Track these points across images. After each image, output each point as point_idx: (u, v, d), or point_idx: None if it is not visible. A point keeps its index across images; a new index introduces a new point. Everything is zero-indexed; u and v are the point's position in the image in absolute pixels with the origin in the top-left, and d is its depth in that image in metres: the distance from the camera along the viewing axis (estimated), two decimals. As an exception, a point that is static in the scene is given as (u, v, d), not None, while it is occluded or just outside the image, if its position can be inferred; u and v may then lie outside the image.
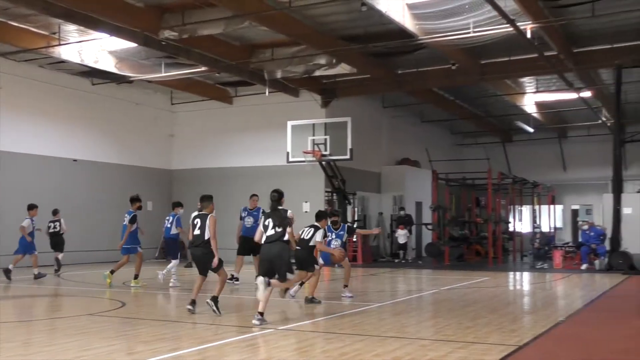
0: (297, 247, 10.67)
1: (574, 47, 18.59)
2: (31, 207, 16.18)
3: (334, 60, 18.73)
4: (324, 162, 20.69)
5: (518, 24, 14.45)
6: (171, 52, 17.70)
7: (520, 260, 23.87)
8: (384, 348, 7.25)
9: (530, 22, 14.87)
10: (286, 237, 9.49)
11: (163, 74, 19.94)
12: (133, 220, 14.32)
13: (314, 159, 20.42)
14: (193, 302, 9.90)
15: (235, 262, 14.22)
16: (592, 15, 15.14)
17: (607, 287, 14.44)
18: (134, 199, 14.67)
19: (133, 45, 17.20)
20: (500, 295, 13.35)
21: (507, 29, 14.79)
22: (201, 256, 9.87)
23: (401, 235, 23.52)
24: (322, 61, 18.82)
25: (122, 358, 6.85)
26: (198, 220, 9.91)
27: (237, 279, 14.17)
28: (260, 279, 8.99)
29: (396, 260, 23.22)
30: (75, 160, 21.87)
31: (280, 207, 10.20)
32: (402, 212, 24.45)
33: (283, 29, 16.09)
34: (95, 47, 18.21)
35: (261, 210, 13.38)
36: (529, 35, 15.28)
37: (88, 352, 7.06)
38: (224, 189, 23.17)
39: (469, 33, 15.13)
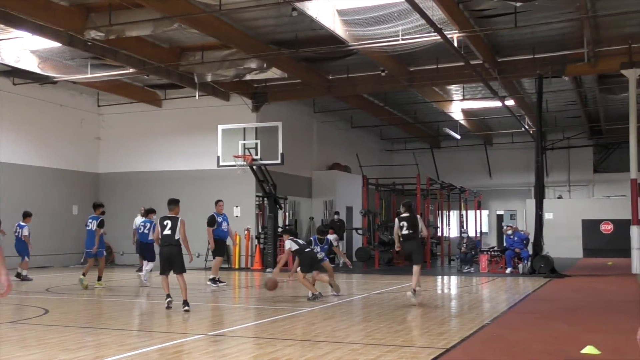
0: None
1: (498, 56, 19.16)
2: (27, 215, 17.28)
3: (265, 65, 18.68)
4: (254, 167, 20.60)
5: (445, 32, 14.77)
6: (97, 52, 17.26)
7: (447, 265, 24.36)
8: (315, 352, 7.25)
9: (456, 31, 15.23)
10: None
11: (89, 75, 19.40)
12: (101, 224, 15.07)
13: (245, 163, 20.30)
14: (169, 295, 10.96)
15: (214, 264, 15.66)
16: (514, 27, 15.62)
17: (529, 290, 14.88)
18: (98, 205, 15.66)
19: (57, 45, 16.68)
20: (428, 299, 13.56)
21: (434, 37, 15.10)
22: (175, 254, 10.94)
23: (331, 239, 23.59)
24: (253, 65, 18.74)
25: (44, 368, 6.61)
26: (168, 222, 10.98)
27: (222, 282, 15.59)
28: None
29: (332, 265, 23.27)
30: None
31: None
32: (336, 217, 24.57)
33: (213, 32, 15.94)
34: (16, 46, 17.56)
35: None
36: (455, 43, 15.64)
37: (7, 363, 6.79)
38: (153, 193, 22.76)
39: (397, 40, 15.38)
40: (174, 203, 11.36)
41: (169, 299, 11.02)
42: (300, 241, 13.16)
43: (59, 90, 22.69)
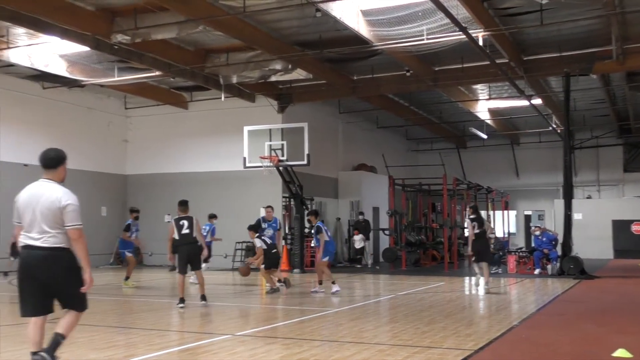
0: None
1: (524, 54, 18.97)
2: None
3: (290, 66, 18.72)
4: (281, 168, 20.64)
5: (470, 31, 14.66)
6: (124, 56, 17.44)
7: (477, 266, 24.13)
8: (342, 353, 7.23)
9: (481, 29, 15.10)
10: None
11: (116, 79, 19.61)
12: (127, 228, 15.73)
13: (271, 164, 20.35)
14: (182, 300, 11.25)
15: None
16: (540, 24, 15.44)
17: (559, 291, 14.71)
18: (132, 210, 16.38)
19: (84, 49, 16.88)
20: (455, 300, 13.47)
21: (459, 36, 15.00)
22: (194, 252, 11.63)
23: (357, 240, 23.64)
24: (278, 66, 18.79)
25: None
26: (185, 222, 11.62)
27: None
28: None
29: (358, 266, 23.32)
30: (25, 165, 21.32)
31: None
32: (360, 217, 24.53)
33: (237, 34, 16.00)
34: (45, 51, 17.82)
35: (278, 221, 15.86)
36: (480, 42, 15.51)
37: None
38: (179, 194, 22.58)
39: (422, 40, 15.29)
40: (186, 204, 12.00)
41: (182, 305, 11.14)
42: (268, 240, 14.06)
43: (87, 93, 22.97)
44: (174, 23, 15.00)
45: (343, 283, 17.39)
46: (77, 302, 5.87)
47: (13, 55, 17.45)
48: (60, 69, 18.69)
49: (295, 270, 20.64)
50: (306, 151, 19.97)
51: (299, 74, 19.18)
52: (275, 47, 17.19)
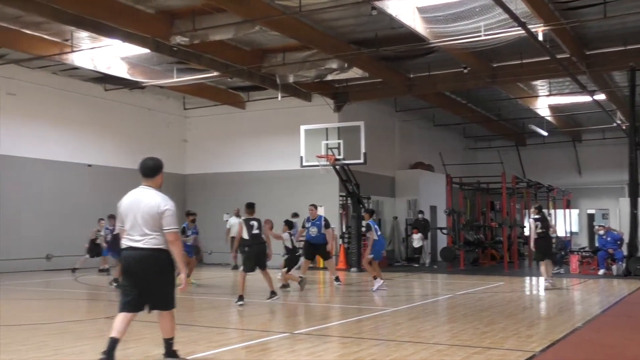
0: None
1: (586, 49, 18.46)
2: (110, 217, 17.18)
3: (346, 65, 18.69)
4: (337, 167, 20.65)
5: (529, 26, 14.36)
6: (182, 57, 17.74)
7: (536, 265, 23.68)
8: (400, 353, 7.18)
9: (541, 24, 14.76)
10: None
11: (175, 80, 19.97)
12: (182, 231, 15.64)
13: (328, 163, 20.38)
14: (241, 298, 11.44)
15: (302, 265, 15.64)
16: (603, 17, 15.00)
17: (624, 292, 14.27)
18: (188, 213, 16.51)
19: (145, 51, 17.24)
20: (516, 300, 13.23)
21: (518, 31, 14.69)
22: (263, 252, 12.07)
23: (416, 239, 23.46)
24: (334, 65, 18.79)
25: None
26: (255, 223, 12.00)
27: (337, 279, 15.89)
28: None
29: (416, 265, 23.15)
30: (89, 166, 21.97)
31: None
32: (420, 216, 24.35)
33: (293, 33, 16.08)
34: (107, 54, 18.29)
35: (323, 219, 15.69)
36: (540, 37, 15.17)
37: (64, 351, 7.05)
38: (237, 194, 23.20)
39: (479, 36, 15.04)
40: (254, 206, 12.33)
41: (241, 302, 11.32)
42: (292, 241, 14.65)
43: (147, 94, 23.47)
44: (231, 24, 15.17)
45: (400, 282, 17.31)
46: (166, 301, 6.34)
47: (77, 59, 17.96)
48: (122, 71, 19.15)
49: (352, 269, 20.62)
50: (362, 150, 19.92)
51: (355, 72, 19.14)
52: (331, 46, 17.20)
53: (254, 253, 11.96)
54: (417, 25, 15.00)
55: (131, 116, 23.53)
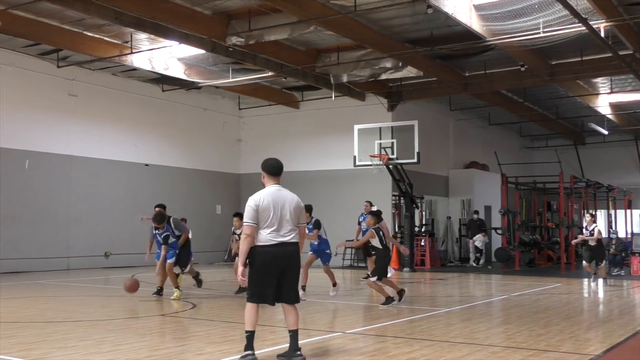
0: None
1: (651, 45, 17.91)
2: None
3: (400, 64, 18.61)
4: (391, 166, 20.57)
5: (591, 22, 14.01)
6: (238, 58, 17.96)
7: (595, 267, 23.11)
8: (453, 354, 7.12)
9: (603, 20, 14.39)
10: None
11: (230, 80, 20.23)
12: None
13: (381, 162, 20.32)
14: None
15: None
16: (669, 12, 14.55)
17: (688, 295, 13.82)
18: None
19: (201, 51, 17.53)
20: (573, 302, 12.95)
21: (579, 28, 14.36)
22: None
23: (480, 240, 23.12)
24: (388, 64, 18.73)
25: (192, 358, 6.95)
26: (381, 231, 11.98)
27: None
28: None
29: (469, 265, 22.89)
30: (146, 165, 22.45)
31: None
32: (475, 216, 24.05)
33: (348, 33, 16.09)
34: (165, 55, 18.65)
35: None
36: (602, 34, 14.79)
37: (159, 352, 7.21)
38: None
39: (538, 33, 14.75)
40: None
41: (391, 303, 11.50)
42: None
43: (203, 95, 23.83)
44: (286, 24, 15.29)
45: (454, 282, 17.14)
46: (296, 294, 6.80)
47: (136, 60, 18.39)
48: (179, 71, 19.51)
49: (405, 269, 20.53)
50: (416, 149, 19.80)
51: (409, 71, 19.04)
52: (386, 45, 17.15)
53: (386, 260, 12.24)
54: (474, 23, 14.81)
55: (187, 116, 23.94)
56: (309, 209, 12.08)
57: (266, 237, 6.51)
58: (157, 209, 12.70)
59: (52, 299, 12.78)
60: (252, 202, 6.69)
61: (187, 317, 10.18)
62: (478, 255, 23.28)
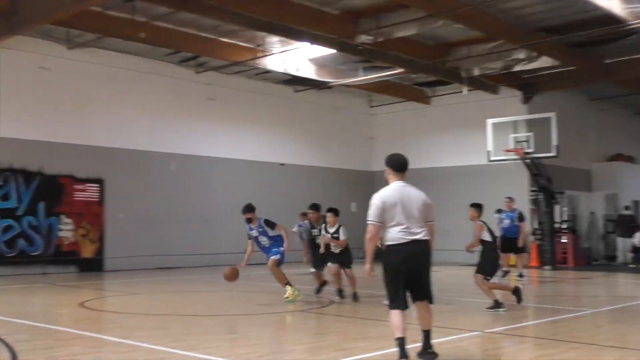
0: None
1: None
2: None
3: (534, 54, 17.92)
4: (527, 160, 19.87)
5: None
6: (367, 56, 18.01)
7: None
8: (603, 357, 6.76)
9: None
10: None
11: (361, 78, 20.36)
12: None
13: (517, 157, 19.69)
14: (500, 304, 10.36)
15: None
16: None
17: None
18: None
19: (331, 51, 17.75)
20: None
21: None
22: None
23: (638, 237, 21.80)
24: (521, 55, 18.10)
25: (330, 354, 7.04)
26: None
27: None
28: None
29: (631, 265, 21.58)
30: (282, 164, 23.05)
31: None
32: (626, 212, 22.69)
33: (478, 25, 15.69)
34: (296, 56, 19.07)
35: (517, 212, 15.53)
36: None
37: (299, 347, 7.37)
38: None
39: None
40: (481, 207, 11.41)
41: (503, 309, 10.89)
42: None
43: (334, 94, 24.12)
44: (414, 20, 15.16)
45: (599, 282, 16.26)
46: (431, 292, 6.44)
47: (269, 63, 18.96)
48: (310, 72, 19.89)
49: (545, 267, 19.76)
50: (554, 142, 19.02)
51: (544, 61, 18.30)
52: (518, 36, 16.57)
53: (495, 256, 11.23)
54: (614, 6, 13.99)
55: (320, 115, 24.34)
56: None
57: (397, 235, 6.21)
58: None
59: (198, 294, 13.43)
60: (377, 199, 6.35)
61: (325, 313, 10.33)
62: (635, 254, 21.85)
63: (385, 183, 6.82)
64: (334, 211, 11.61)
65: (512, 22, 16.18)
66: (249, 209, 11.50)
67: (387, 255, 6.26)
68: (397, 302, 6.19)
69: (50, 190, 17.56)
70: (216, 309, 10.76)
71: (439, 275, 17.60)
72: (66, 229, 17.85)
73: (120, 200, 18.76)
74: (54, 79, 17.70)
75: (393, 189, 6.44)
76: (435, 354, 6.37)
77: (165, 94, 20.04)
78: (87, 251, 18.20)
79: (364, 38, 16.17)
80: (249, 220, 11.50)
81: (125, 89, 19.15)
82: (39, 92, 17.48)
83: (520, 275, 15.45)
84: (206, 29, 16.90)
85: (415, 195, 6.47)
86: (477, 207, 11.14)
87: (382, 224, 6.24)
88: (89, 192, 18.34)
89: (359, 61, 19.40)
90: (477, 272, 10.53)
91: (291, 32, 16.02)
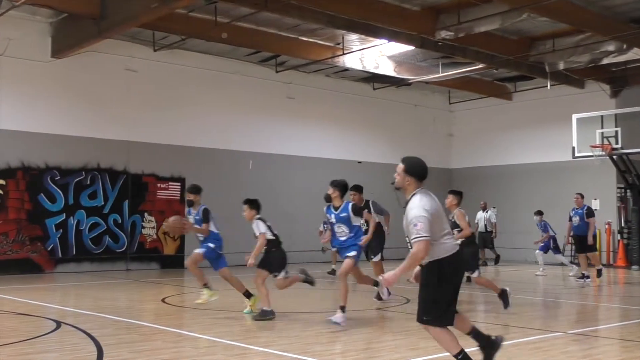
0: None
1: None
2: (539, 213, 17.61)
3: (624, 46, 17.23)
4: (614, 156, 19.16)
5: None
6: (447, 52, 17.80)
7: None
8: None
9: None
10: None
11: (440, 75, 20.14)
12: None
13: (604, 153, 19.02)
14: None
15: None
16: None
17: None
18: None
19: (410, 48, 17.64)
20: None
21: None
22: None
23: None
24: (610, 48, 17.44)
25: (406, 353, 7.02)
26: None
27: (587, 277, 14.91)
28: None
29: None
30: (359, 162, 23.07)
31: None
32: None
33: (564, 17, 15.22)
34: (375, 53, 19.05)
35: (585, 208, 15.02)
36: None
37: (377, 345, 7.38)
38: (504, 187, 22.72)
39: None
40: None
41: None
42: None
43: (413, 91, 23.94)
44: (497, 14, 14.87)
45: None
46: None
47: (347, 60, 19.01)
48: (389, 69, 19.82)
49: (633, 267, 19.03)
50: (645, 137, 18.27)
51: (635, 53, 17.55)
52: (607, 27, 15.98)
53: None
54: None
55: (398, 113, 24.21)
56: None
57: (450, 246, 5.50)
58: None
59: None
60: (424, 210, 5.42)
61: (400, 311, 10.29)
62: None
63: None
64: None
65: (601, 14, 15.61)
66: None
67: (445, 268, 5.43)
68: (448, 317, 5.49)
69: (134, 188, 18.19)
70: (294, 307, 10.86)
71: (518, 274, 17.24)
72: (149, 227, 18.47)
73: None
74: (140, 81, 18.32)
75: (430, 197, 5.67)
76: (498, 339, 5.75)
77: (245, 93, 20.39)
78: (169, 248, 18.75)
79: (444, 34, 15.98)
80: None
81: (207, 89, 19.61)
82: (125, 94, 18.13)
83: (584, 277, 14.75)
84: (286, 28, 17.11)
85: (440, 204, 5.79)
86: (457, 194, 10.65)
87: (431, 237, 5.36)
88: (171, 191, 18.90)
89: (438, 57, 19.19)
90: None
91: (371, 30, 16.01)
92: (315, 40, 18.13)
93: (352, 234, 9.16)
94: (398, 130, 24.17)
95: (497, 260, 20.39)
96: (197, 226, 9.89)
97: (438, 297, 5.44)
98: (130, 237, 18.11)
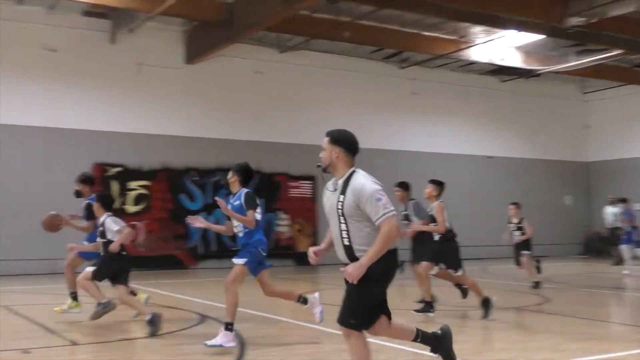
0: None
1: None
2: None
3: None
4: None
5: None
6: (579, 39, 16.98)
7: None
8: None
9: None
10: None
11: (572, 64, 19.23)
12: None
13: None
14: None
15: None
16: None
17: None
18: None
19: (539, 37, 16.96)
20: None
21: None
22: None
23: None
24: None
25: (549, 354, 6.71)
26: None
27: None
28: None
29: None
30: (489, 157, 22.46)
31: None
32: None
33: None
34: (501, 45, 18.47)
35: None
36: None
37: (514, 346, 7.12)
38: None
39: None
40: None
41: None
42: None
43: (543, 82, 23.01)
44: (633, -4, 13.99)
45: None
46: None
47: (473, 54, 18.58)
48: (516, 60, 19.19)
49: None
50: None
51: None
52: None
53: None
54: None
55: (527, 105, 23.34)
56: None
57: None
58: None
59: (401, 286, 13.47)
60: (377, 184, 4.81)
61: (540, 311, 9.88)
62: None
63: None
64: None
65: None
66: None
67: (385, 262, 4.58)
68: (373, 320, 4.71)
69: (268, 187, 18.65)
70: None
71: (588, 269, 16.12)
72: (283, 225, 18.92)
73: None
74: (267, 82, 18.77)
75: (372, 178, 4.88)
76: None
77: (369, 90, 20.38)
78: (303, 245, 19.05)
79: (574, 21, 15.19)
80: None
81: (332, 88, 19.76)
82: (254, 96, 18.64)
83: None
84: (408, 24, 16.94)
85: None
86: (438, 184, 9.29)
87: None
88: (303, 189, 19.25)
89: (569, 45, 18.32)
90: (429, 260, 8.87)
91: (496, 21, 15.54)
92: (439, 35, 17.84)
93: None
94: (528, 123, 23.32)
95: (618, 261, 17.43)
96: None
97: (374, 295, 4.64)
98: (266, 235, 18.54)
